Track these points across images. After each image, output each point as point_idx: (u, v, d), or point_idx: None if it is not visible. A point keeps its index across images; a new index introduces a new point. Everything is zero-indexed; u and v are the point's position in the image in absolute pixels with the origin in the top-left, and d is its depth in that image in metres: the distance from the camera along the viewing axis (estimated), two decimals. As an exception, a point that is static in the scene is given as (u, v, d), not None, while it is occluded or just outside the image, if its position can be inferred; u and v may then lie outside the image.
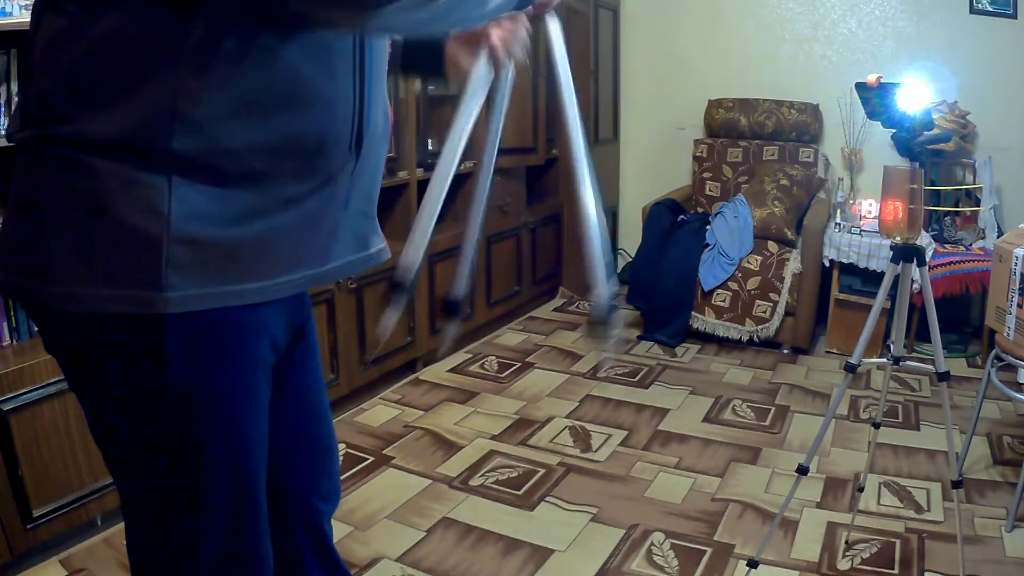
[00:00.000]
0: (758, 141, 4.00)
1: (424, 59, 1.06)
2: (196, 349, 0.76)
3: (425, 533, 2.07)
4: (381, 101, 0.89)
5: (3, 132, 1.85)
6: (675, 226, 3.74)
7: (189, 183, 0.71)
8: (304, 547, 1.08)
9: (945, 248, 3.36)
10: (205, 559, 0.85)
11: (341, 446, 2.54)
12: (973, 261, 3.23)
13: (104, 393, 0.79)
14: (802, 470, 1.69)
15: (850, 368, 1.65)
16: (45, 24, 0.74)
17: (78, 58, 0.71)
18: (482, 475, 2.39)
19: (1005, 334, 2.09)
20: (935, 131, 1.61)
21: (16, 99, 1.83)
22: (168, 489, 0.82)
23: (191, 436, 0.79)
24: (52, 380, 1.80)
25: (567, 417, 2.83)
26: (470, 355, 3.44)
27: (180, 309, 0.73)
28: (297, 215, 0.79)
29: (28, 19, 1.91)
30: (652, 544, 2.03)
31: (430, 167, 3.21)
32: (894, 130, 1.57)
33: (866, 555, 1.96)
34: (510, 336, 3.73)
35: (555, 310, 4.15)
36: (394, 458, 2.49)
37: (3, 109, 1.85)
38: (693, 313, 3.58)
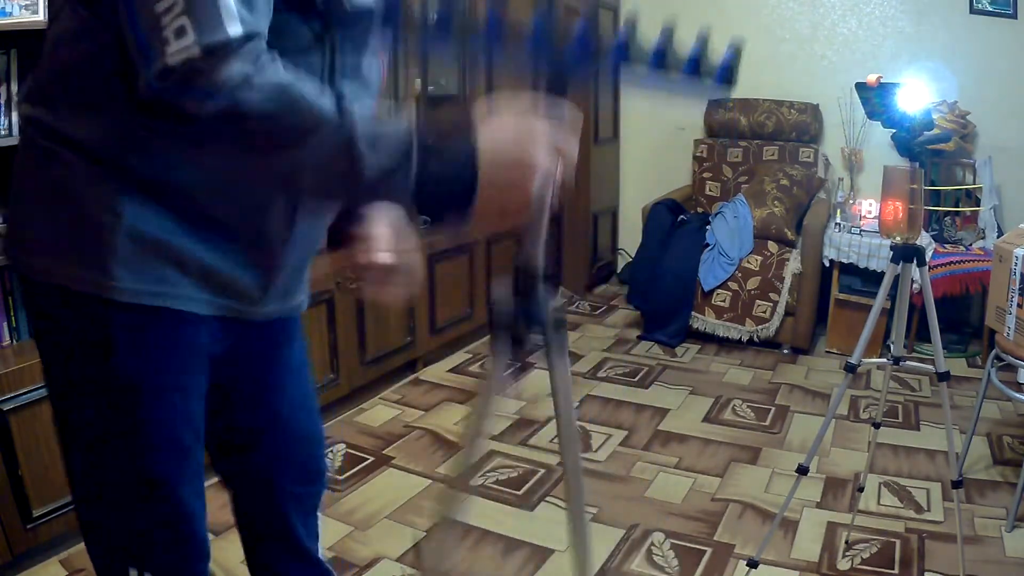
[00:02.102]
0: (758, 141, 4.00)
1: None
2: (139, 334, 0.84)
3: (425, 533, 2.07)
4: None
5: (2, 132, 1.85)
6: (675, 226, 3.74)
7: (141, 198, 0.80)
8: (284, 529, 1.11)
9: (945, 248, 3.36)
10: (142, 535, 0.90)
11: (341, 446, 2.54)
12: (973, 261, 3.23)
13: (58, 363, 0.88)
14: (802, 470, 1.69)
15: (850, 368, 1.66)
16: (61, 19, 0.80)
17: (75, 60, 0.79)
18: (482, 475, 2.39)
19: (1005, 334, 2.09)
20: (935, 131, 1.62)
21: (16, 99, 1.84)
22: (104, 463, 0.88)
23: (126, 413, 0.85)
24: (52, 380, 1.80)
25: (567, 417, 2.82)
26: (470, 355, 3.44)
27: (123, 299, 0.80)
28: (232, 256, 0.86)
29: (28, 19, 1.91)
30: (652, 544, 2.03)
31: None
32: (894, 130, 1.57)
33: (866, 555, 1.96)
34: (510, 336, 3.72)
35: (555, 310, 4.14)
36: (394, 458, 2.49)
37: (3, 109, 1.84)
38: (693, 313, 3.57)
